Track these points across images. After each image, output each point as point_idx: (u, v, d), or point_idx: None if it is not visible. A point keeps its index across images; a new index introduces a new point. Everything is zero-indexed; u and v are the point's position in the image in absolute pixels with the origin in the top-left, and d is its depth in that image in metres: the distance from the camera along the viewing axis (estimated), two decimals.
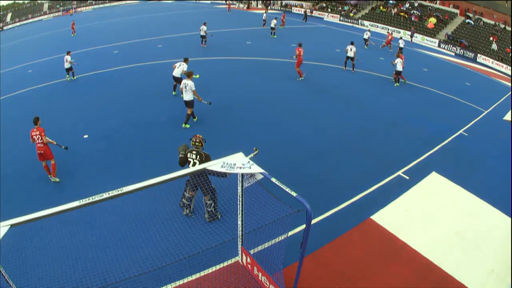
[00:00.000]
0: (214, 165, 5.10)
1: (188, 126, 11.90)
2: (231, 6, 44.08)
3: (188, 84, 11.25)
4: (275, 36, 27.27)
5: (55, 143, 8.79)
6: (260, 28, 31.74)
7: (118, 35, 26.87)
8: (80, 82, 16.52)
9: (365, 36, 26.65)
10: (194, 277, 6.12)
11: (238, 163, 5.12)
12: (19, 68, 20.04)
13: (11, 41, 31.45)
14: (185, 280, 6.02)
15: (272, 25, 27.68)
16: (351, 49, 18.72)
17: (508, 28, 31.02)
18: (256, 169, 5.04)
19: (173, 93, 14.78)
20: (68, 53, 16.32)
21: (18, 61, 21.40)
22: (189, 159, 7.16)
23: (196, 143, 7.22)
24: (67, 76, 16.56)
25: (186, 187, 7.46)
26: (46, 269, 6.17)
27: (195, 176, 6.75)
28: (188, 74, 11.42)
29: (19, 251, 6.44)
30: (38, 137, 8.58)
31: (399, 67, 17.42)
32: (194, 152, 7.15)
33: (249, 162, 5.14)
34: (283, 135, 11.80)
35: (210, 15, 39.41)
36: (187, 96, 11.40)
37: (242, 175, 5.38)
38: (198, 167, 5.20)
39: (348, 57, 18.87)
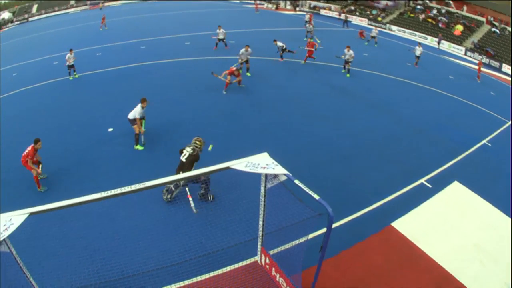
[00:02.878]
0: (238, 164, 5.08)
1: (141, 147, 10.60)
2: (259, 6, 43.47)
3: (137, 107, 10.17)
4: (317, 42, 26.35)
5: (35, 173, 8.41)
6: (286, 29, 31.43)
7: (146, 31, 26.84)
8: (108, 75, 16.83)
9: (417, 53, 22.81)
10: (211, 274, 6.15)
11: (262, 163, 5.11)
12: (45, 59, 20.50)
13: (37, 32, 32.08)
14: (203, 277, 6.06)
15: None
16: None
17: None
18: (279, 170, 5.02)
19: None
20: (70, 51, 16.04)
21: (44, 53, 21.88)
22: (184, 151, 8.17)
23: (196, 142, 8.33)
24: (74, 73, 16.52)
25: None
26: (63, 259, 6.34)
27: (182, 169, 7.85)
28: (142, 100, 10.21)
29: (37, 239, 6.59)
30: (26, 154, 8.35)
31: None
32: (191, 147, 8.20)
33: (273, 162, 5.12)
34: (309, 138, 11.73)
35: (238, 14, 39.34)
36: (132, 115, 10.20)
37: (266, 175, 5.35)
38: (221, 165, 5.09)
39: (283, 49, 19.83)
